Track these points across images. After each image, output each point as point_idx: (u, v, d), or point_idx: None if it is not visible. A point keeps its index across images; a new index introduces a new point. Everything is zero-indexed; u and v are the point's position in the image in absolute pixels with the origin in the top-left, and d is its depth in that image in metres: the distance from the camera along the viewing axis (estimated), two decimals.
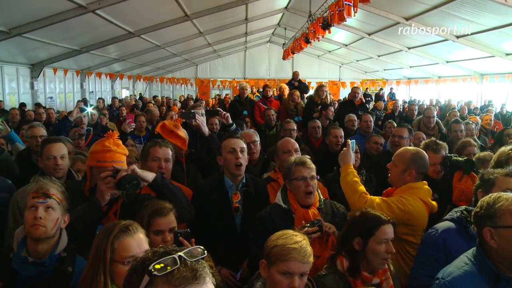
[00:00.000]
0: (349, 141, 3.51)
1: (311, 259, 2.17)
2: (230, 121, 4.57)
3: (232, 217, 3.30)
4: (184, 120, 4.19)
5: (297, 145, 3.97)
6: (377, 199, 3.11)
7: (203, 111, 4.63)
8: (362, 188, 3.21)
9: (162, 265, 1.17)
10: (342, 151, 3.46)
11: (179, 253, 1.19)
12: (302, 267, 2.12)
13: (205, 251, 1.24)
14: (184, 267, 1.16)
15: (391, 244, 2.47)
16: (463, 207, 2.78)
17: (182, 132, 3.97)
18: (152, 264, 1.17)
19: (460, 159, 3.77)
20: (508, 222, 2.00)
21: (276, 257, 2.14)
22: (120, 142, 2.92)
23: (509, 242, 1.99)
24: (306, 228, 2.71)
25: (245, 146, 3.42)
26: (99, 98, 15.16)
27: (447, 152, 4.12)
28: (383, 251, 2.44)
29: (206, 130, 4.11)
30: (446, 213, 3.44)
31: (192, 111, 4.16)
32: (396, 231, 2.94)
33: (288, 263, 2.11)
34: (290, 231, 2.26)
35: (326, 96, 8.27)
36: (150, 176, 2.70)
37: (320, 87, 8.46)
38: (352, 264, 2.48)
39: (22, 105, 12.02)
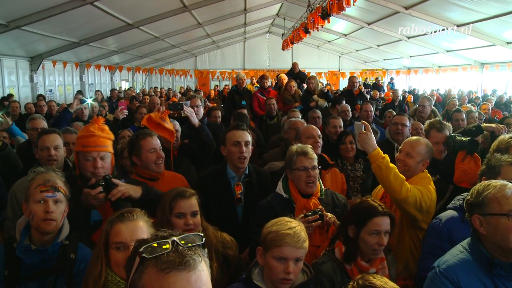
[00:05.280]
0: (359, 123, 3.19)
1: (306, 244, 2.19)
2: (195, 121, 4.19)
3: (234, 208, 3.31)
4: (171, 112, 4.15)
5: (319, 132, 3.95)
6: (416, 188, 3.01)
7: (199, 103, 4.61)
8: (402, 175, 3.03)
9: (153, 248, 1.17)
10: (363, 135, 3.07)
11: (174, 238, 1.19)
12: (296, 252, 2.15)
13: (203, 239, 1.23)
14: (174, 252, 1.15)
15: (384, 236, 2.45)
16: (465, 194, 2.75)
17: (170, 124, 3.95)
18: (144, 247, 1.18)
19: (465, 139, 3.76)
20: (495, 209, 2.02)
21: (271, 243, 2.17)
22: (105, 127, 2.94)
23: (497, 229, 2.01)
24: (308, 217, 2.73)
25: (250, 139, 3.38)
26: (96, 91, 15.13)
27: (451, 132, 4.13)
28: (373, 243, 2.44)
29: (196, 121, 4.07)
30: (449, 194, 3.46)
31: (180, 102, 4.12)
32: (417, 219, 3.03)
33: (282, 248, 2.14)
34: (285, 218, 2.28)
35: (316, 87, 8.32)
36: (138, 192, 2.72)
37: (308, 79, 8.55)
38: (348, 251, 2.50)
39: (10, 96, 11.91)
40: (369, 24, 15.60)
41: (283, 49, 19.69)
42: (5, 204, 3.35)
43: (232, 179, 3.36)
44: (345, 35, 19.82)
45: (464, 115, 5.83)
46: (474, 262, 2.07)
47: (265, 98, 7.93)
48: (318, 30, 12.20)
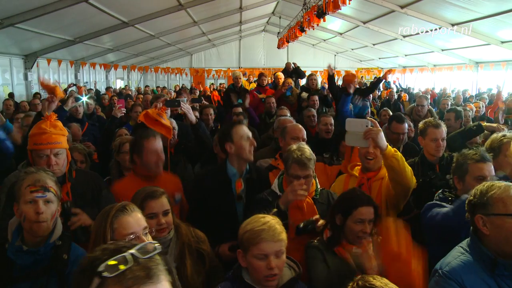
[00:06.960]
0: (361, 120, 2.99)
1: (283, 236, 2.19)
2: (192, 118, 4.23)
3: (234, 205, 3.28)
4: (168, 109, 4.11)
5: (305, 135, 3.91)
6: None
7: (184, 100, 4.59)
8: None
9: (112, 264, 1.07)
10: (377, 132, 2.85)
11: (131, 251, 1.10)
12: (274, 246, 2.14)
13: (159, 246, 1.15)
14: (137, 266, 1.07)
15: (368, 225, 2.58)
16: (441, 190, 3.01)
17: (167, 121, 3.91)
18: (102, 265, 1.07)
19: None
20: (500, 209, 2.04)
21: (248, 242, 2.17)
22: (58, 123, 2.89)
23: (501, 229, 2.03)
24: (300, 227, 2.79)
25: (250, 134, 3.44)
26: (89, 89, 15.07)
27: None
28: (357, 230, 2.58)
29: (193, 118, 4.05)
30: (411, 216, 3.45)
31: (177, 99, 4.10)
32: (402, 202, 3.26)
33: (260, 245, 2.13)
34: (259, 215, 2.29)
35: (317, 85, 8.35)
36: None
37: (309, 76, 8.56)
38: (333, 236, 2.65)
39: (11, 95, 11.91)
40: (364, 23, 15.62)
41: (278, 47, 19.69)
42: None
43: (233, 176, 3.32)
44: (341, 33, 19.84)
45: (455, 115, 5.80)
46: (476, 263, 2.08)
47: (259, 96, 7.96)
48: (313, 29, 12.21)
